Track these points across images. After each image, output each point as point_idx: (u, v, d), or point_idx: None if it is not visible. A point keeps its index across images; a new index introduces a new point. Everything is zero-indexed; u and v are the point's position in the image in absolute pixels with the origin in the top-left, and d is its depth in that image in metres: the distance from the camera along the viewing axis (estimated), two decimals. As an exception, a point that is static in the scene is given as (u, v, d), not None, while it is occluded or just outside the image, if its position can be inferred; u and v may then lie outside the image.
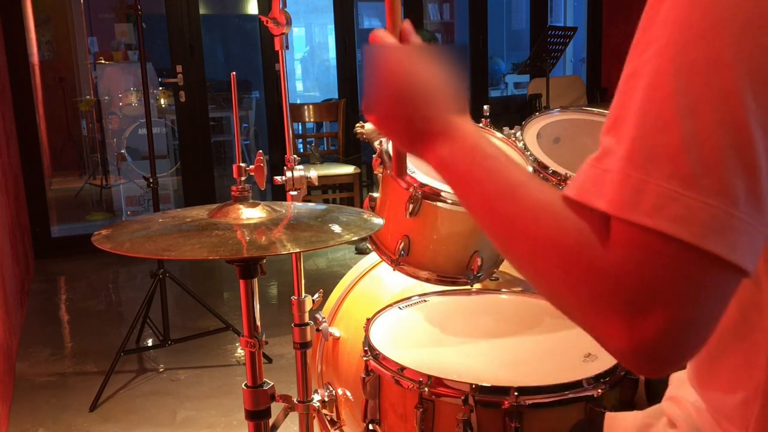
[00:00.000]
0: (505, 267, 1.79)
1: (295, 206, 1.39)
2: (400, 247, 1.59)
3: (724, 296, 0.55)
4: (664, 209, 0.53)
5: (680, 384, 0.89)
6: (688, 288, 0.54)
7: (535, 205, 0.64)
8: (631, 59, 0.58)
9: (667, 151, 0.53)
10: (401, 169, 0.92)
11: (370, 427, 1.32)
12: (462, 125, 0.74)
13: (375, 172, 1.69)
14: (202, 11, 5.35)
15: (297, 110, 5.15)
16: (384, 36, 0.81)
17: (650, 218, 0.53)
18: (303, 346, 1.48)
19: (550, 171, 1.62)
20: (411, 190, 1.53)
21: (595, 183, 0.57)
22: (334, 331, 1.73)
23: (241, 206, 1.26)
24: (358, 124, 2.00)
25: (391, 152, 1.61)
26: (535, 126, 1.79)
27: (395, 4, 0.85)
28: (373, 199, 1.71)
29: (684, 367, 0.82)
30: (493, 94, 7.95)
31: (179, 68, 5.15)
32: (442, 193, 1.52)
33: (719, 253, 0.52)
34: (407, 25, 0.83)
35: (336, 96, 5.82)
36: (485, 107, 1.87)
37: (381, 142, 1.66)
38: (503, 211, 0.66)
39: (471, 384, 1.15)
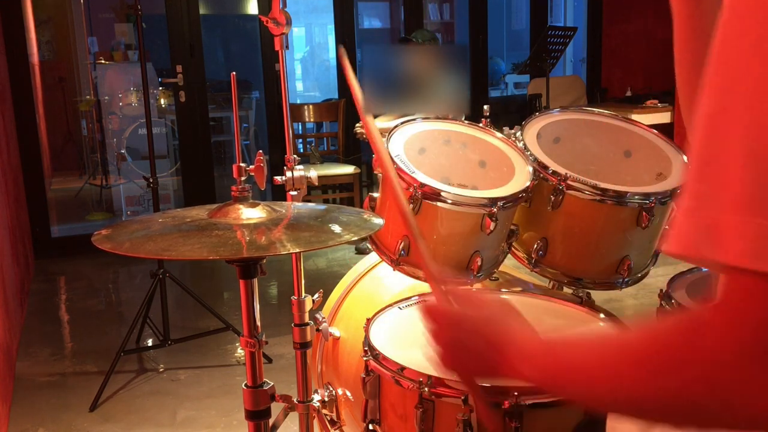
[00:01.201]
0: (505, 267, 1.79)
1: (295, 206, 1.39)
2: (400, 247, 1.59)
3: None
4: None
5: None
6: None
7: (624, 351, 0.62)
8: (713, 95, 0.54)
9: None
10: (491, 421, 0.99)
11: (370, 427, 1.32)
12: (519, 331, 0.79)
13: (375, 172, 1.69)
14: (202, 11, 5.35)
15: (297, 110, 5.15)
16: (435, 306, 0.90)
17: None
18: (303, 346, 1.48)
19: (550, 171, 1.62)
20: (411, 190, 1.53)
21: (705, 235, 0.53)
22: (334, 331, 1.73)
23: (241, 206, 1.26)
24: (358, 125, 2.01)
25: (391, 153, 1.61)
26: (535, 126, 1.79)
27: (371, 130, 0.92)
28: (373, 199, 1.71)
29: None
30: (493, 94, 7.95)
31: (179, 68, 5.15)
32: (442, 193, 1.52)
33: None
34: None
35: (336, 96, 5.82)
36: (485, 107, 1.86)
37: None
38: (608, 383, 0.63)
39: (471, 384, 1.15)
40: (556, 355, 0.72)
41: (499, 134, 1.77)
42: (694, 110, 0.55)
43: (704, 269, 1.49)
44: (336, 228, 1.25)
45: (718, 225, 0.52)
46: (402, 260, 1.61)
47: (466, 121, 1.82)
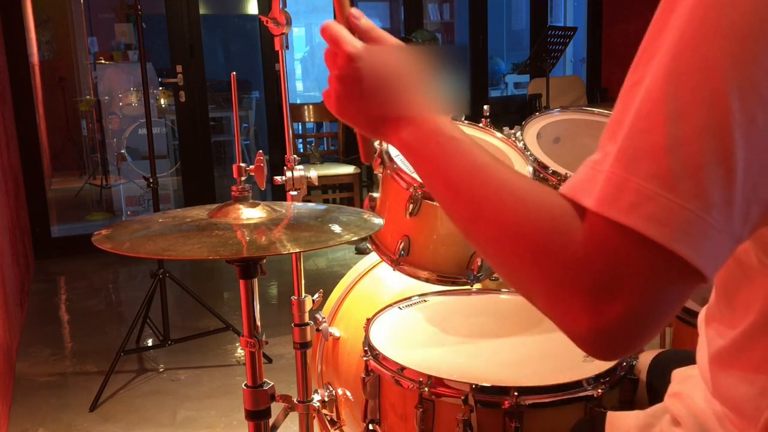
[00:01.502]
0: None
1: (295, 206, 1.39)
2: (400, 247, 1.59)
3: (682, 296, 0.58)
4: (640, 208, 0.55)
5: (683, 380, 0.89)
6: (651, 283, 0.56)
7: (503, 187, 0.65)
8: (637, 68, 0.60)
9: (651, 152, 0.55)
10: (368, 154, 0.92)
11: (370, 427, 1.32)
12: (424, 109, 0.75)
13: (375, 172, 1.69)
14: (202, 11, 5.35)
15: (297, 110, 5.15)
16: (334, 26, 0.81)
17: (626, 216, 0.55)
18: (303, 346, 1.48)
19: (550, 171, 1.62)
20: (411, 190, 1.53)
21: (586, 182, 0.59)
22: (334, 331, 1.73)
23: (241, 206, 1.26)
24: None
25: (390, 152, 1.62)
26: (535, 126, 1.79)
27: None
28: (373, 199, 1.71)
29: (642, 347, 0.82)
30: (493, 94, 7.95)
31: (179, 68, 5.16)
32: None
33: (685, 256, 0.54)
34: (356, 12, 0.82)
35: (336, 96, 5.81)
36: (485, 107, 1.87)
37: (381, 141, 1.66)
38: (469, 194, 0.67)
39: (471, 384, 1.15)
40: (439, 145, 0.71)
41: (499, 134, 1.77)
42: None
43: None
44: (336, 228, 1.25)
45: (597, 175, 0.58)
46: (402, 260, 1.61)
47: (466, 121, 1.82)
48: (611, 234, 0.56)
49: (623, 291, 0.56)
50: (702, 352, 0.81)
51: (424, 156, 0.72)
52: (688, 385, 0.85)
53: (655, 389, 1.16)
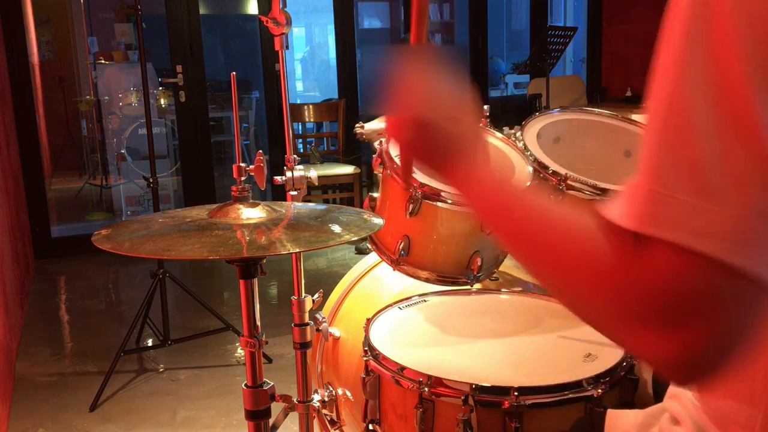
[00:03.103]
0: (505, 267, 1.79)
1: (295, 206, 1.39)
2: (400, 247, 1.59)
3: (754, 308, 0.55)
4: (687, 224, 0.53)
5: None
6: (718, 301, 0.54)
7: (563, 224, 0.65)
8: (657, 83, 0.58)
9: (689, 166, 0.54)
10: (408, 179, 0.93)
11: (370, 427, 1.32)
12: (479, 152, 0.78)
13: (375, 172, 1.69)
14: (202, 11, 5.35)
15: (297, 110, 5.15)
16: (411, 49, 0.85)
17: (674, 233, 0.54)
18: (303, 346, 1.48)
19: (550, 171, 1.62)
20: (411, 190, 1.53)
21: (623, 202, 0.58)
22: (334, 331, 1.73)
23: (241, 206, 1.26)
24: (357, 125, 2.00)
25: (390, 152, 1.61)
26: (535, 126, 1.79)
27: (422, 9, 0.87)
28: (373, 199, 1.71)
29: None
30: (493, 94, 7.95)
31: (179, 68, 5.15)
32: (442, 193, 1.52)
33: (743, 266, 0.53)
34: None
35: (336, 96, 5.82)
36: (485, 107, 1.86)
37: (381, 141, 1.66)
38: (533, 233, 0.68)
39: (471, 384, 1.15)
40: (500, 199, 0.73)
41: (499, 134, 1.77)
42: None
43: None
44: (336, 228, 1.25)
45: (632, 194, 0.57)
46: (402, 260, 1.61)
47: (466, 121, 1.82)
48: (663, 254, 0.55)
49: (691, 314, 0.54)
50: None
51: (489, 199, 0.74)
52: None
53: (660, 387, 1.16)
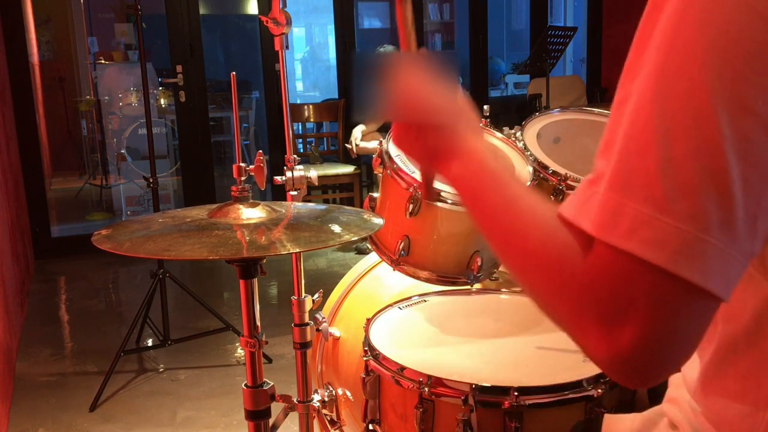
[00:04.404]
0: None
1: (295, 206, 1.38)
2: (400, 247, 1.59)
3: (700, 318, 0.57)
4: (638, 232, 0.55)
5: (679, 385, 0.88)
6: (660, 307, 0.55)
7: (528, 218, 0.68)
8: (623, 85, 0.60)
9: (644, 175, 0.55)
10: (430, 192, 0.95)
11: (370, 427, 1.32)
12: (471, 141, 0.79)
13: (375, 172, 1.69)
14: (202, 11, 5.35)
15: (297, 110, 5.15)
16: (400, 58, 0.86)
17: (625, 241, 0.55)
18: (303, 346, 1.48)
19: (550, 171, 1.62)
20: (411, 190, 1.53)
21: (583, 204, 0.60)
22: (334, 331, 1.73)
23: (241, 206, 1.26)
24: (347, 144, 2.00)
25: (390, 152, 1.61)
26: (535, 126, 1.79)
27: (407, 18, 0.90)
28: (373, 199, 1.71)
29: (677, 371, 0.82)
30: (493, 94, 7.95)
31: (179, 68, 5.15)
32: (442, 193, 1.52)
33: (689, 278, 0.54)
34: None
35: (336, 96, 5.82)
36: (485, 107, 1.86)
37: (381, 142, 1.66)
38: (501, 225, 0.71)
39: (471, 384, 1.15)
40: (482, 179, 0.75)
41: (499, 134, 1.77)
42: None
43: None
44: (336, 228, 1.25)
45: (592, 197, 0.58)
46: (402, 260, 1.61)
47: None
48: (613, 259, 0.56)
49: (632, 316, 0.56)
50: (692, 372, 0.80)
51: (470, 190, 0.77)
52: (683, 390, 0.85)
53: (656, 391, 1.16)
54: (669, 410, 0.86)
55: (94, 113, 6.63)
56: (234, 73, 1.41)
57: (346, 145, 1.84)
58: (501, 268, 1.75)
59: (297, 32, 10.10)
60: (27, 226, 4.64)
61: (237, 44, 8.80)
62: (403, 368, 1.24)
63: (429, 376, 1.19)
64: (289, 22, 1.40)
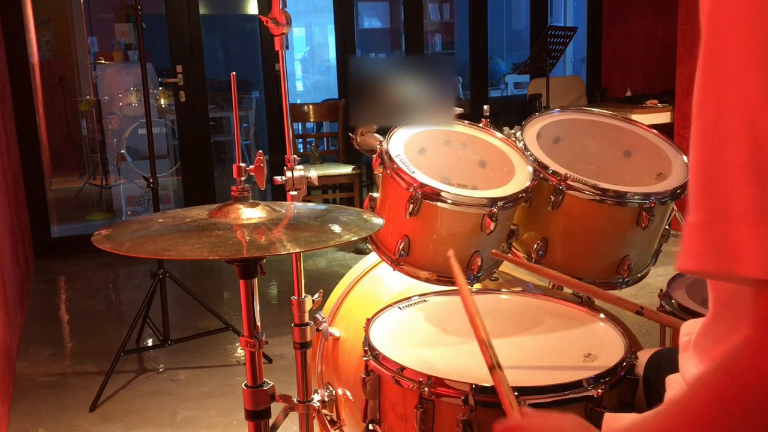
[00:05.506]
0: (505, 267, 1.79)
1: (295, 206, 1.39)
2: (400, 247, 1.59)
3: None
4: None
5: (676, 387, 0.89)
6: None
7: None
8: (708, 102, 0.53)
9: None
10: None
11: (370, 427, 1.32)
12: None
13: (375, 172, 1.69)
14: (202, 11, 5.35)
15: (297, 110, 5.15)
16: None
17: None
18: (303, 346, 1.48)
19: (550, 171, 1.62)
20: (411, 190, 1.53)
21: (721, 249, 0.52)
22: (334, 331, 1.73)
23: (241, 206, 1.26)
24: (352, 135, 2.00)
25: (390, 152, 1.61)
26: (535, 126, 1.79)
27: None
28: (373, 199, 1.71)
29: None
30: (493, 94, 7.95)
31: (179, 68, 5.15)
32: (442, 193, 1.52)
33: None
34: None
35: (336, 96, 5.82)
36: (485, 107, 1.87)
37: (381, 142, 1.66)
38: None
39: (471, 384, 1.15)
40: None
41: (499, 134, 1.77)
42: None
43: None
44: (336, 228, 1.25)
45: (731, 238, 0.51)
46: (402, 260, 1.61)
47: (466, 122, 1.82)
48: None
49: None
50: (691, 372, 0.80)
51: None
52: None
53: (651, 386, 1.16)
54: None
55: (94, 113, 6.63)
56: (234, 73, 1.41)
57: (350, 134, 1.84)
58: (501, 268, 1.75)
59: (297, 32, 10.09)
60: (27, 226, 4.64)
61: (237, 44, 8.80)
62: (403, 368, 1.24)
63: (429, 376, 1.19)
64: (289, 22, 1.40)
